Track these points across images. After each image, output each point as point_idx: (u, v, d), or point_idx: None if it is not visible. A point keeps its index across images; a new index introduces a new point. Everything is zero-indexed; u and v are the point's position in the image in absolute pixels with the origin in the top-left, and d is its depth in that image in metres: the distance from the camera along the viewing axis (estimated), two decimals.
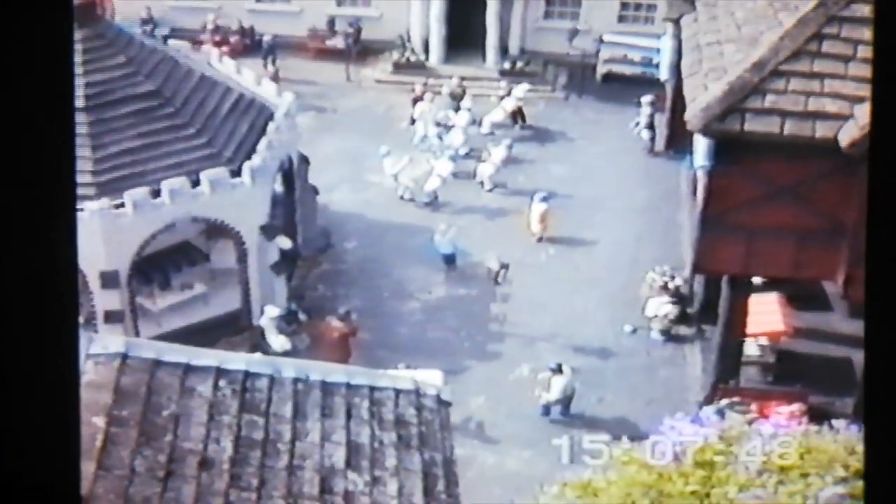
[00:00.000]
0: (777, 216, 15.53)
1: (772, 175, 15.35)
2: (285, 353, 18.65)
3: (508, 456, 17.59)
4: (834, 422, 10.44)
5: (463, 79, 28.26)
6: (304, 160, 22.02)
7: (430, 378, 10.54)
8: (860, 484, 9.62)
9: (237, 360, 8.69)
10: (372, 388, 9.67)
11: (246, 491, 7.47)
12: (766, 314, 18.34)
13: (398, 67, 29.87)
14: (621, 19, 30.00)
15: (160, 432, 7.60)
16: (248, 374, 8.46)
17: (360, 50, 30.21)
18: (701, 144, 15.56)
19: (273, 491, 7.60)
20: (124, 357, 7.97)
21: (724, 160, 15.27)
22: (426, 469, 9.10)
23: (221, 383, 8.29)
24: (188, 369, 8.20)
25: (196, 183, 18.33)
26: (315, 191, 22.60)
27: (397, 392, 9.75)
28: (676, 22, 19.64)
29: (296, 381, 8.85)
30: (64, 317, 4.70)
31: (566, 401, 18.38)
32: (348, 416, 9.27)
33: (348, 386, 9.53)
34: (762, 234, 15.73)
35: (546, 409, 18.43)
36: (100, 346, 8.02)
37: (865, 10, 14.71)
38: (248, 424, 8.10)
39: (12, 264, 4.51)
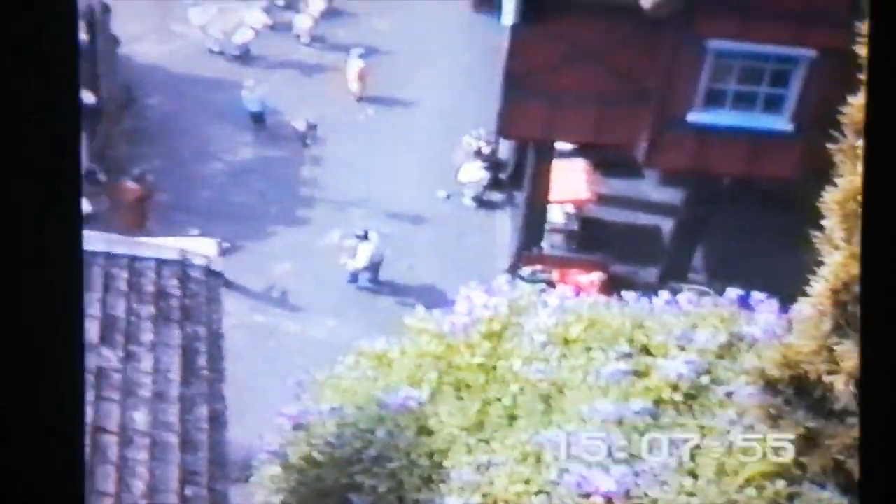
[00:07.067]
0: (579, 80, 15.17)
1: (574, 36, 14.91)
2: (85, 216, 17.62)
3: (313, 324, 17.16)
4: (624, 294, 10.27)
5: None
6: (106, 8, 20.55)
7: (203, 248, 9.97)
8: (644, 360, 9.49)
9: None
10: (133, 259, 9.07)
11: None
12: (571, 181, 18.20)
13: None
14: None
15: None
16: None
17: None
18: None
19: None
20: None
21: (528, 18, 14.74)
22: (186, 343, 8.63)
23: None
24: None
25: None
26: (116, 41, 21.15)
27: (160, 263, 9.17)
28: None
29: None
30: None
31: (374, 268, 17.99)
32: (105, 288, 8.69)
33: (107, 255, 8.93)
34: (564, 97, 15.35)
35: (353, 277, 18.02)
36: None
37: None
38: None
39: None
